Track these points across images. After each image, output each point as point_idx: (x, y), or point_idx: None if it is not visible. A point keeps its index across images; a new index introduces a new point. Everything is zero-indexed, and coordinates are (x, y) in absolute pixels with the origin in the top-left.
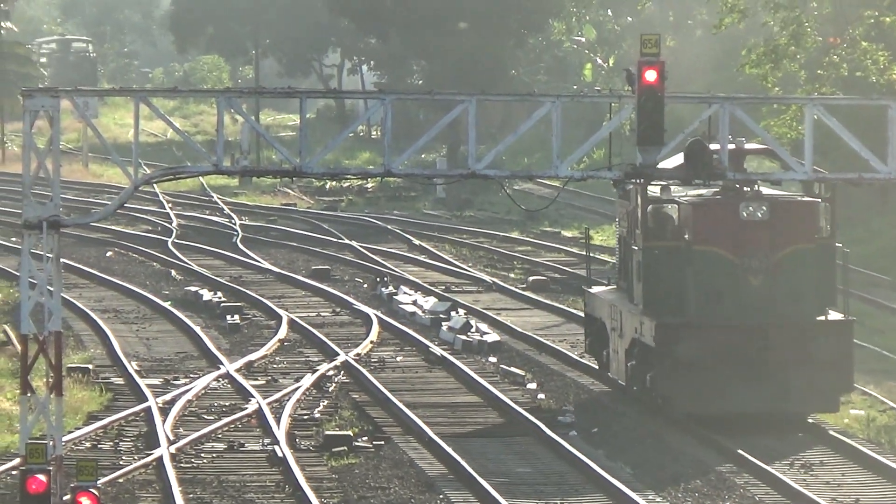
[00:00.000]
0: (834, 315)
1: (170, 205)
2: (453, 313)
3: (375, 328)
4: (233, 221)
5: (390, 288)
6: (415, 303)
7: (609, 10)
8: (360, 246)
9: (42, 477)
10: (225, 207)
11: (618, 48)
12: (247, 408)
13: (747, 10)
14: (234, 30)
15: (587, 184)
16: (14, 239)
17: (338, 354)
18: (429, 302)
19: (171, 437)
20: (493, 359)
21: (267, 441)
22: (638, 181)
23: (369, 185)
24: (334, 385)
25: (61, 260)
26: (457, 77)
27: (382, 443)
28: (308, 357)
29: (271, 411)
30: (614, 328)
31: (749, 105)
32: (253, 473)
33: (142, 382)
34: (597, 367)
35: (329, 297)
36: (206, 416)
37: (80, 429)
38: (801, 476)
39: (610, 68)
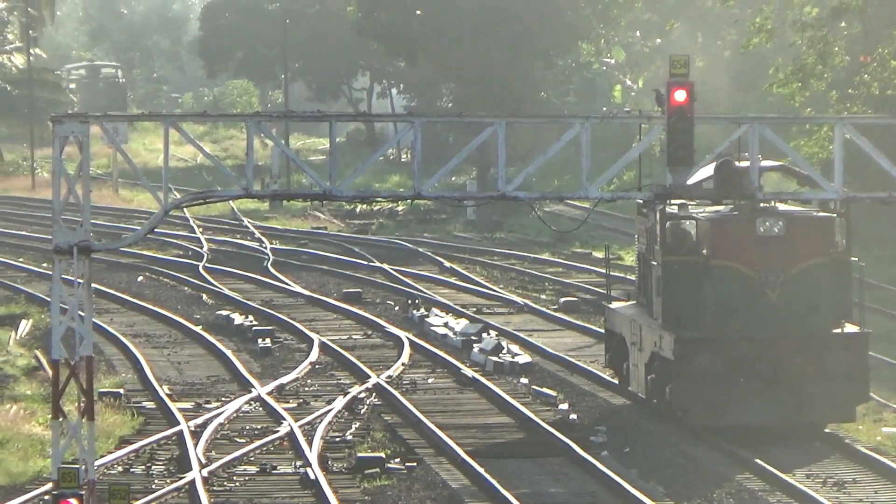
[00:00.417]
0: (849, 328)
1: (200, 229)
2: (485, 335)
3: (407, 350)
4: (263, 245)
5: (422, 310)
6: (446, 325)
7: (638, 32)
8: (391, 269)
9: (74, 501)
10: (255, 231)
11: (647, 69)
12: (279, 431)
13: (775, 29)
14: (263, 54)
15: (617, 205)
16: (45, 265)
17: (369, 377)
18: (460, 324)
19: (204, 461)
20: (524, 380)
21: (299, 463)
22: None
23: (399, 208)
24: (366, 407)
25: (92, 285)
26: (486, 99)
27: (415, 464)
28: (339, 380)
29: (303, 434)
30: (634, 342)
31: (778, 125)
32: (285, 496)
33: (173, 406)
34: (617, 381)
35: (360, 320)
36: (237, 440)
37: (112, 453)
38: (834, 494)
39: (639, 89)
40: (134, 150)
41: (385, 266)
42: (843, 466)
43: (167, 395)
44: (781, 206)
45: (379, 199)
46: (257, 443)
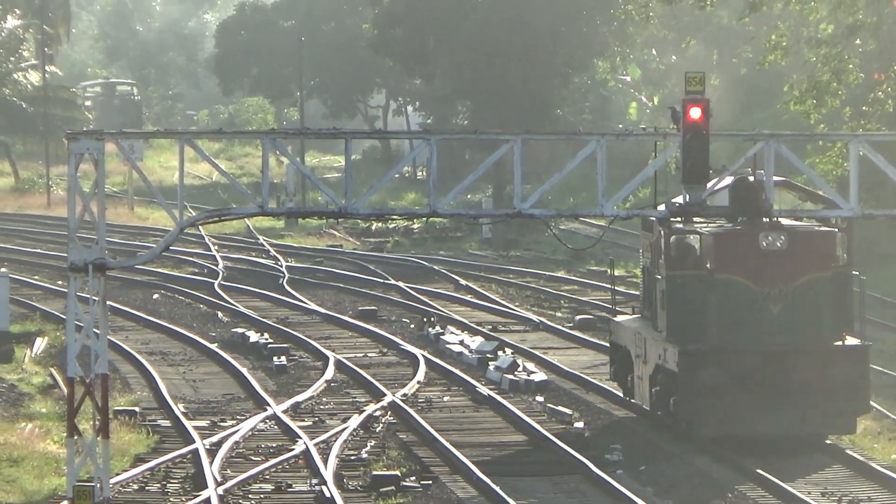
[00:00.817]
0: (851, 340)
1: (216, 247)
2: (500, 353)
3: (422, 368)
4: (279, 263)
5: (437, 328)
6: (462, 342)
7: (653, 50)
8: (407, 286)
9: None
10: (271, 249)
11: (662, 87)
12: (294, 449)
13: (790, 46)
14: (278, 71)
15: (632, 222)
16: (60, 282)
17: (385, 395)
18: (476, 342)
19: (219, 479)
20: (540, 398)
21: (314, 482)
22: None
23: (415, 226)
24: (381, 425)
25: (107, 303)
26: (502, 117)
27: (430, 482)
28: (355, 398)
29: (319, 452)
30: (639, 355)
31: (794, 142)
32: None
33: (189, 424)
34: (621, 393)
35: (376, 338)
36: (253, 458)
37: (127, 471)
38: None
39: (655, 107)
40: (149, 167)
41: (400, 284)
42: (857, 485)
43: (182, 413)
44: (784, 221)
45: (394, 216)
46: (273, 461)
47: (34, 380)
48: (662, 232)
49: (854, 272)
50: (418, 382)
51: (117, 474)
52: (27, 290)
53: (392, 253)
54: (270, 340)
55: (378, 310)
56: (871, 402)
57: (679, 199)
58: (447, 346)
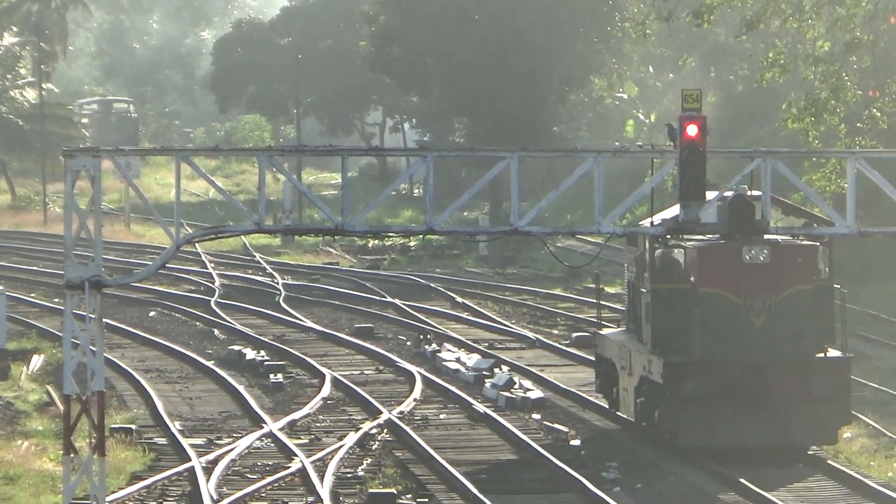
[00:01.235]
0: (833, 352)
1: (212, 264)
2: (497, 370)
3: (419, 386)
4: (275, 280)
5: (433, 345)
6: (458, 360)
7: (650, 67)
8: (403, 304)
9: None
10: (267, 267)
11: (659, 104)
12: (290, 466)
13: (788, 64)
14: (275, 89)
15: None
16: (57, 300)
17: (381, 412)
18: (472, 359)
19: (215, 497)
20: (536, 416)
21: (311, 499)
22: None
23: (412, 244)
24: (378, 443)
25: (104, 320)
26: (499, 134)
27: (426, 500)
28: (351, 415)
29: (315, 470)
30: (624, 367)
31: (791, 159)
32: None
33: (185, 442)
34: (607, 405)
35: (372, 355)
36: (249, 476)
37: (123, 489)
38: None
39: (651, 124)
40: (146, 184)
41: (397, 301)
42: (854, 502)
43: (179, 430)
44: (767, 235)
45: (391, 234)
46: (269, 479)
47: (30, 397)
48: (647, 246)
49: (836, 285)
50: (415, 400)
51: (113, 492)
52: (24, 308)
53: (388, 270)
54: (267, 358)
55: (374, 327)
56: (868, 419)
57: (666, 214)
58: (444, 363)
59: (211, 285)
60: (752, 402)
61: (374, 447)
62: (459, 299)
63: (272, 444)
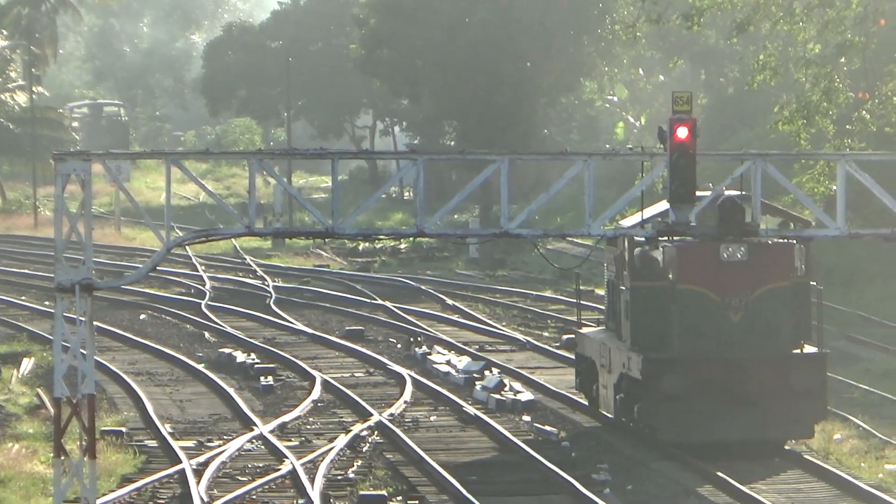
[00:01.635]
0: (809, 348)
1: (203, 267)
2: (487, 372)
3: (409, 388)
4: (266, 283)
5: (424, 348)
6: (448, 362)
7: (640, 69)
8: (394, 306)
9: None
10: (258, 269)
11: (649, 106)
12: (281, 469)
13: (779, 66)
14: (265, 92)
15: None
16: (47, 303)
17: (371, 415)
18: (462, 361)
19: (206, 499)
20: (527, 418)
21: (301, 501)
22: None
23: (402, 246)
24: (368, 445)
25: (94, 323)
26: (489, 137)
27: (417, 502)
28: (342, 418)
29: (305, 472)
30: (603, 364)
31: (781, 161)
32: None
33: (175, 445)
34: (587, 402)
35: (363, 358)
36: (240, 478)
37: (113, 492)
38: None
39: (642, 126)
40: (136, 188)
41: (387, 304)
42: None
43: (169, 433)
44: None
45: (381, 237)
46: (259, 481)
47: (21, 400)
48: (626, 245)
49: (812, 283)
50: (405, 402)
51: (104, 495)
52: (14, 311)
53: (379, 273)
54: (257, 360)
55: (365, 330)
56: (858, 421)
57: (648, 212)
58: (434, 365)
59: (201, 288)
60: (729, 397)
61: (364, 449)
62: (450, 302)
63: (262, 447)
